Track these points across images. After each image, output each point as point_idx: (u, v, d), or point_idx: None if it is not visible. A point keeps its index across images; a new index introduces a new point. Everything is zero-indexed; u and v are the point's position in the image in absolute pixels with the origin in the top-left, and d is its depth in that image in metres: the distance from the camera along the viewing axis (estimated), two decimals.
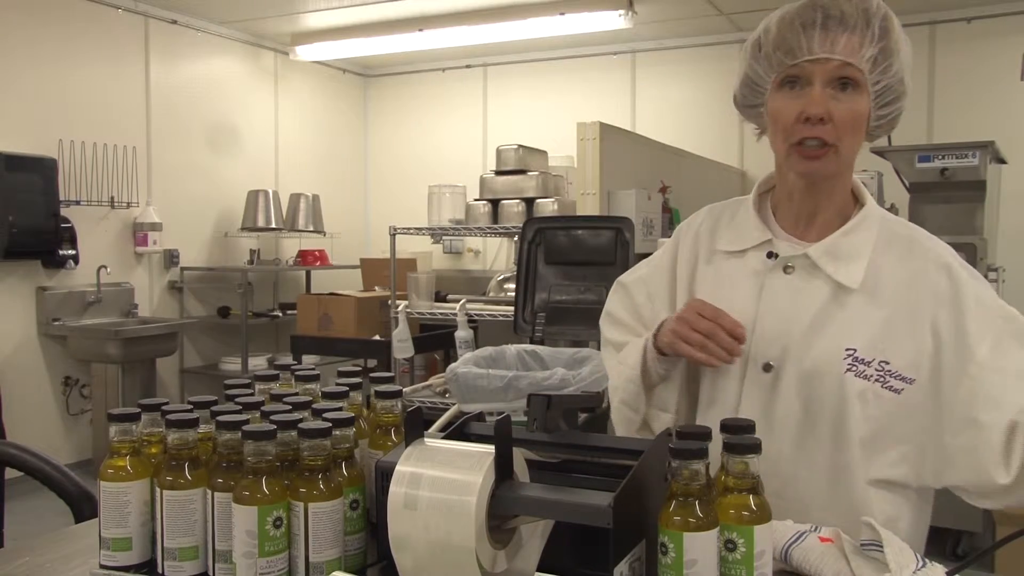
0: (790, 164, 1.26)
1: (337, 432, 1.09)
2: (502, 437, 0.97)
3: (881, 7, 1.21)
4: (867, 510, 1.19)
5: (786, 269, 1.28)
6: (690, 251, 1.40)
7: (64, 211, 4.99)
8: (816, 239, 1.28)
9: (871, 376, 1.21)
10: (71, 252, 5.03)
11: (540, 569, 1.04)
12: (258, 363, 5.71)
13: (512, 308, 3.42)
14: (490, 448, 0.97)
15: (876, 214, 1.30)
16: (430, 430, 1.12)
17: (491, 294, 5.04)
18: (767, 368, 1.27)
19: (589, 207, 4.02)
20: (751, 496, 0.93)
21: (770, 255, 1.30)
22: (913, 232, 1.30)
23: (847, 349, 1.22)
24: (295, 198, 6.31)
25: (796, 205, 1.31)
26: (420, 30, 5.93)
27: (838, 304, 1.25)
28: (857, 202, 1.32)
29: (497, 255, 6.81)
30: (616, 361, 1.40)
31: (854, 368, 1.22)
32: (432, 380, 4.09)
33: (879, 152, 4.25)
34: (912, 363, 1.21)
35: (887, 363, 1.21)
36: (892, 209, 4.30)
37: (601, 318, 1.51)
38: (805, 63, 1.20)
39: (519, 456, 1.03)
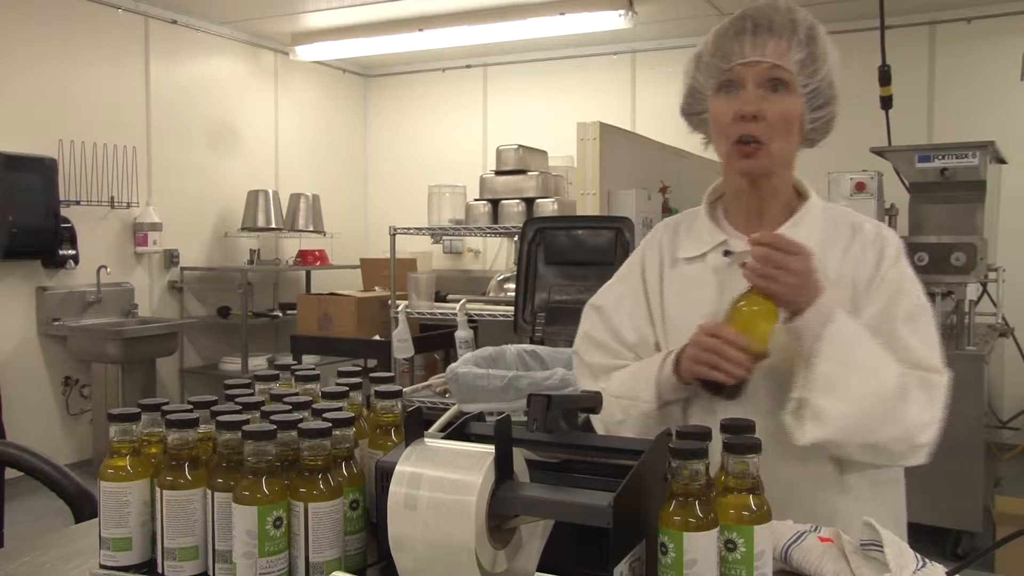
0: (730, 163, 1.35)
1: (337, 432, 1.09)
2: (502, 437, 0.97)
3: (808, 18, 1.32)
4: (834, 488, 1.29)
5: (743, 264, 1.32)
6: (656, 263, 1.48)
7: (64, 211, 4.99)
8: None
9: None
10: (71, 252, 5.03)
11: (540, 569, 1.04)
12: (258, 363, 5.71)
13: (512, 308, 3.42)
14: (490, 448, 0.97)
15: (819, 206, 1.40)
16: (430, 430, 1.12)
17: (491, 294, 5.04)
18: None
19: (589, 207, 4.02)
20: (751, 496, 0.94)
21: (726, 253, 1.38)
22: (855, 219, 1.40)
23: None
24: (295, 198, 6.31)
25: (744, 205, 1.40)
26: (420, 30, 5.93)
27: None
28: (801, 197, 1.41)
29: (497, 255, 6.81)
30: (615, 394, 1.40)
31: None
32: (432, 380, 4.08)
33: (879, 152, 4.25)
34: None
35: None
36: (892, 209, 4.30)
37: (578, 342, 1.53)
38: (738, 66, 1.30)
39: (519, 456, 1.03)
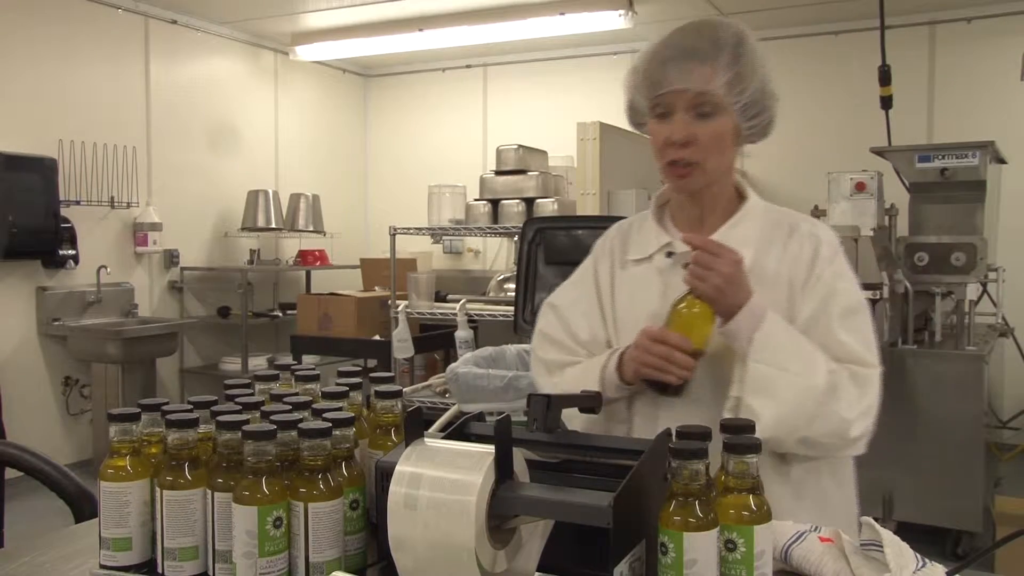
0: (668, 181, 1.42)
1: (337, 432, 1.09)
2: (502, 437, 0.97)
3: (732, 35, 1.33)
4: (774, 476, 1.30)
5: (685, 265, 1.38)
6: (608, 265, 1.53)
7: (64, 211, 4.99)
8: (708, 235, 1.40)
9: None
10: (71, 252, 5.02)
11: (540, 569, 1.04)
12: (258, 363, 5.70)
13: (512, 308, 3.42)
14: (490, 448, 0.97)
15: (759, 206, 1.45)
16: (430, 430, 1.12)
17: (491, 294, 5.04)
18: None
19: (589, 207, 4.02)
20: (751, 496, 0.94)
21: (669, 254, 1.44)
22: (792, 218, 1.44)
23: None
24: (295, 198, 6.31)
25: (686, 211, 1.46)
26: (420, 30, 5.93)
27: None
28: (742, 198, 1.46)
29: (497, 255, 6.80)
30: (563, 391, 1.44)
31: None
32: (432, 380, 4.08)
33: (879, 152, 4.25)
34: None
35: None
36: (892, 209, 4.30)
37: (534, 338, 1.59)
38: (667, 94, 1.34)
39: (519, 456, 1.03)
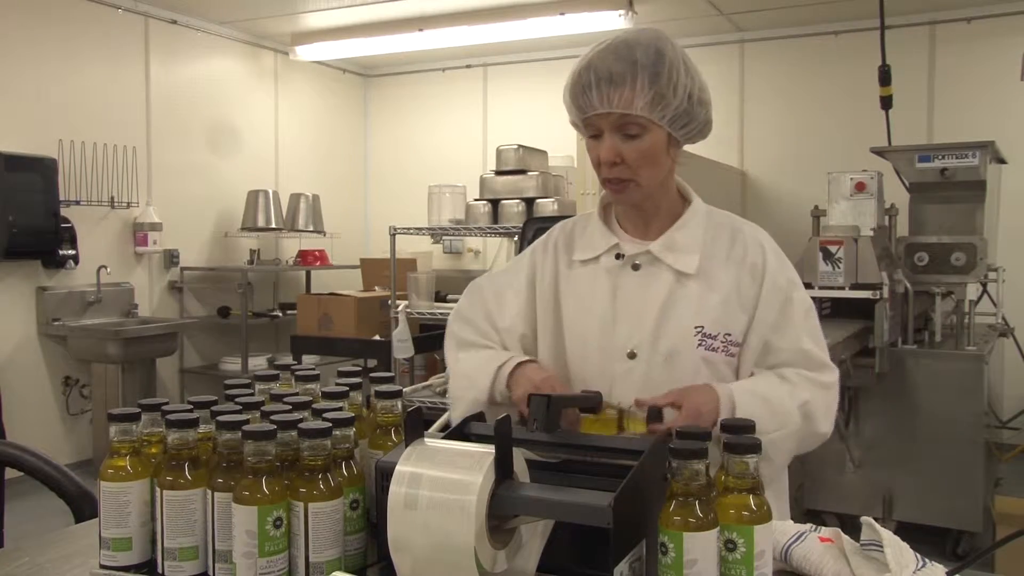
0: (608, 193, 1.45)
1: (337, 432, 1.09)
2: (502, 437, 0.97)
3: (651, 52, 1.34)
4: None
5: (634, 267, 1.45)
6: (550, 265, 1.55)
7: (64, 211, 4.99)
8: (655, 238, 1.46)
9: (718, 348, 1.41)
10: (71, 252, 5.02)
11: (540, 569, 1.04)
12: (258, 363, 5.70)
13: None
14: (490, 448, 0.97)
15: (702, 210, 1.50)
16: (430, 430, 1.13)
17: None
18: (631, 356, 1.43)
19: (589, 207, 4.00)
20: (751, 496, 0.94)
21: (618, 256, 1.47)
22: (733, 221, 1.50)
23: (696, 327, 1.40)
24: (295, 198, 6.31)
25: (632, 216, 1.50)
26: (420, 30, 5.92)
27: (682, 289, 1.43)
28: (686, 201, 1.51)
29: (497, 255, 6.80)
30: (462, 371, 1.52)
31: (704, 343, 1.40)
32: (432, 380, 4.09)
33: (879, 152, 4.25)
34: (743, 330, 1.43)
35: (729, 334, 1.41)
36: (892, 209, 4.31)
37: (452, 314, 1.63)
38: (592, 117, 1.37)
39: (519, 456, 1.03)
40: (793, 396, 1.38)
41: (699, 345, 1.40)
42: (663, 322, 1.41)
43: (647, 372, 1.41)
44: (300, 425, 1.07)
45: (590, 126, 1.39)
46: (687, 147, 1.47)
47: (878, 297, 3.67)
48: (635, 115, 1.33)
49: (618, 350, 1.43)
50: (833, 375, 1.45)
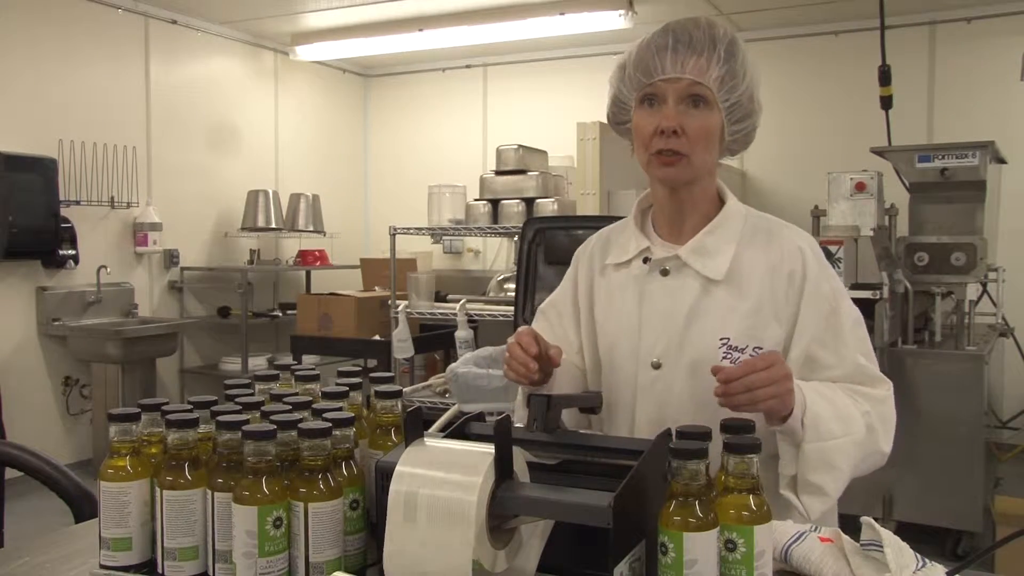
0: (651, 171, 1.39)
1: (337, 432, 1.09)
2: (502, 437, 0.97)
3: (727, 34, 1.35)
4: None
5: (663, 272, 1.41)
6: (586, 270, 1.54)
7: (64, 211, 4.98)
8: (688, 239, 1.41)
9: None
10: (71, 252, 5.02)
11: (540, 569, 1.04)
12: (258, 363, 5.70)
13: (512, 308, 3.42)
14: (490, 448, 0.97)
15: (738, 211, 1.43)
16: (430, 430, 1.12)
17: (491, 294, 5.04)
18: (656, 366, 1.38)
19: (589, 207, 4.02)
20: (751, 496, 0.94)
21: (646, 260, 1.43)
22: (771, 224, 1.44)
23: (721, 339, 1.34)
24: (295, 198, 6.31)
25: (666, 213, 1.45)
26: (420, 30, 5.92)
27: (709, 297, 1.37)
28: (722, 203, 1.45)
29: (497, 255, 6.80)
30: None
31: (729, 356, 1.33)
32: (432, 380, 4.09)
33: (879, 152, 4.25)
34: (779, 343, 1.35)
35: (759, 348, 1.33)
36: (892, 209, 4.30)
37: None
38: (659, 82, 1.34)
39: (519, 456, 1.03)
40: (856, 404, 1.33)
41: (724, 358, 1.33)
42: (687, 331, 1.37)
43: (670, 383, 1.37)
44: (300, 425, 1.07)
45: (649, 96, 1.35)
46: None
47: (878, 297, 3.67)
48: (705, 86, 1.32)
49: (643, 359, 1.39)
50: (888, 388, 1.39)
